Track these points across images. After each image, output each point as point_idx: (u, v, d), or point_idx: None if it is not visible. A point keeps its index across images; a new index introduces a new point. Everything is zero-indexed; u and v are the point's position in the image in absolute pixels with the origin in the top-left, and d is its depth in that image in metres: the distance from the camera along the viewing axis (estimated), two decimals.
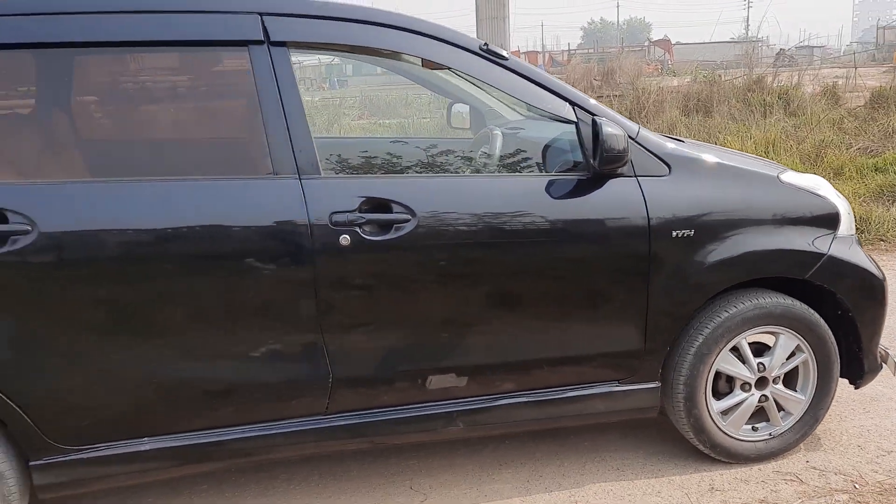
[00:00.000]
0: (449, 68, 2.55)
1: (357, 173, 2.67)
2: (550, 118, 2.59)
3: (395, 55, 2.59)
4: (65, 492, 2.36)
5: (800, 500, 2.58)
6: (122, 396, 2.31)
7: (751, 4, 79.47)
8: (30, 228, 2.13)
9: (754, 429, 2.81)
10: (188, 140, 2.61)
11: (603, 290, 2.56)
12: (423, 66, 2.59)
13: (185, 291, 2.27)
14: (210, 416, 2.40)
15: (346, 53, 2.62)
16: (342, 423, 2.48)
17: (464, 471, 2.86)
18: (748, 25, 74.41)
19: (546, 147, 2.72)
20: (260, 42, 2.33)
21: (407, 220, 2.35)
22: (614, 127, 2.39)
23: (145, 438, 2.37)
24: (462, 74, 2.61)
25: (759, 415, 2.82)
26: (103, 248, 2.19)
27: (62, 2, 2.21)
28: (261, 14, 2.35)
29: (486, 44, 2.50)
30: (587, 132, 2.48)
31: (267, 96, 2.32)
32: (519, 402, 2.59)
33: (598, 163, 2.39)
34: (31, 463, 2.30)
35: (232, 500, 2.72)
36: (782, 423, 2.81)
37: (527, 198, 2.48)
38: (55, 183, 2.24)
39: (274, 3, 2.38)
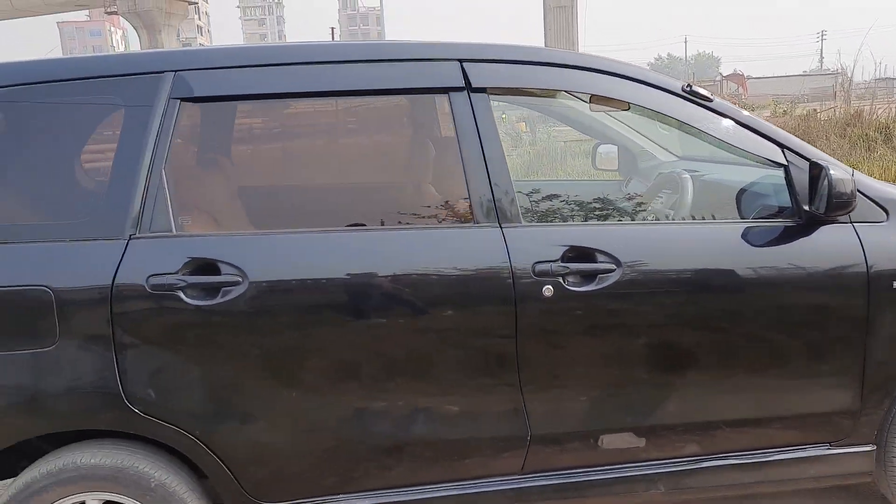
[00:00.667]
0: (652, 110, 2.44)
1: (556, 221, 2.57)
2: (755, 162, 2.45)
3: (595, 98, 2.50)
4: None
5: None
6: (320, 452, 2.24)
7: (825, 37, 77.86)
8: (240, 279, 2.10)
9: None
10: (388, 189, 2.56)
11: (816, 343, 2.38)
12: (621, 108, 2.50)
13: (386, 343, 2.20)
14: (405, 474, 2.30)
15: (544, 98, 2.54)
16: (538, 483, 2.36)
17: None
18: (822, 58, 72.85)
19: (741, 192, 2.58)
20: (461, 89, 2.28)
21: (612, 270, 2.23)
22: (840, 171, 2.24)
23: (341, 495, 2.29)
24: (665, 116, 2.49)
25: None
26: (309, 298, 2.15)
27: (280, 55, 2.23)
28: (460, 61, 2.30)
29: (689, 85, 2.39)
30: (799, 176, 2.34)
31: (467, 142, 2.25)
32: (724, 465, 2.41)
33: (825, 208, 2.23)
34: None
35: None
36: None
37: (733, 246, 2.34)
38: (263, 234, 2.21)
39: (473, 49, 2.33)
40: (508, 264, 2.20)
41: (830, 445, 2.46)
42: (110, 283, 2.07)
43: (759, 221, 2.41)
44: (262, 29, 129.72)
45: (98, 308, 2.07)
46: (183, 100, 2.18)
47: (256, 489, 2.22)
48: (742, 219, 2.51)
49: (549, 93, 2.43)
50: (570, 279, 2.22)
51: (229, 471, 2.19)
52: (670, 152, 3.63)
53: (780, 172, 2.41)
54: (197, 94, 2.19)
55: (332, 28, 61.66)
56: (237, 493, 2.22)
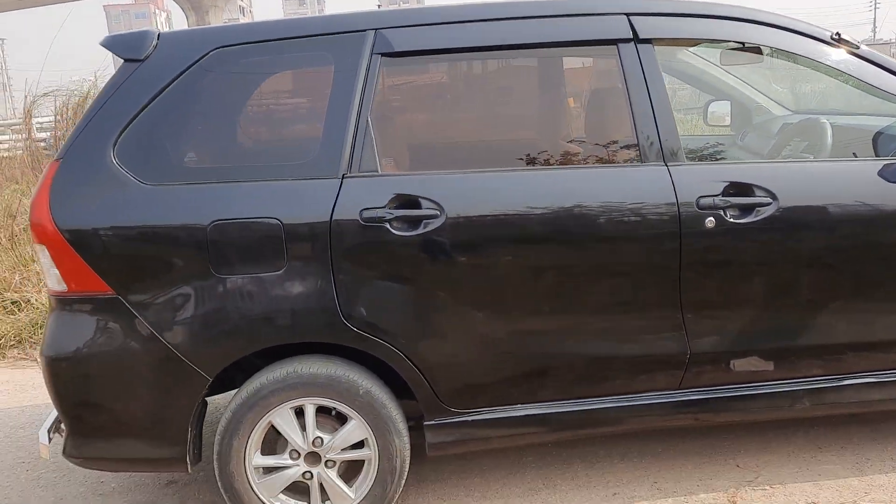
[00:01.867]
0: (811, 59, 2.65)
1: (714, 160, 2.81)
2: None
3: (744, 46, 2.72)
4: (449, 451, 2.60)
5: None
6: (504, 366, 2.53)
7: (878, 5, 75.52)
8: (438, 213, 2.39)
9: None
10: (565, 134, 2.83)
11: None
12: (771, 55, 2.72)
13: (563, 270, 2.47)
14: (574, 387, 2.59)
15: (708, 45, 2.77)
16: (692, 398, 2.62)
17: (783, 452, 2.93)
18: (875, 28, 70.68)
19: (878, 134, 2.79)
20: (629, 40, 2.53)
21: (768, 204, 2.47)
22: None
23: (518, 405, 2.58)
24: (818, 65, 2.69)
25: None
26: (498, 230, 2.43)
27: (466, 13, 2.51)
28: (627, 14, 2.55)
29: (837, 34, 2.60)
30: None
31: (635, 89, 2.50)
32: (865, 383, 2.65)
33: None
34: (427, 423, 2.56)
35: (561, 470, 2.90)
36: None
37: (876, 181, 2.55)
38: (458, 173, 2.50)
39: (638, 4, 2.57)
40: (675, 198, 2.45)
41: None
42: (329, 215, 2.38)
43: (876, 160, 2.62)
44: (302, 9, 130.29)
45: (319, 237, 2.38)
46: (383, 55, 2.47)
47: (448, 398, 2.53)
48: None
49: (711, 41, 2.66)
50: (730, 212, 2.47)
51: (426, 381, 2.49)
52: (784, 107, 3.83)
53: None
54: (395, 49, 2.47)
55: (378, 5, 61.67)
56: (432, 401, 2.52)
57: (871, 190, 2.54)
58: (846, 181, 2.57)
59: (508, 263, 2.45)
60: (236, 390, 2.55)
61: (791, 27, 2.61)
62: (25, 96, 10.95)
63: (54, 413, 2.73)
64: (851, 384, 2.65)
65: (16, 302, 5.66)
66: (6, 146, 17.60)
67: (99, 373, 2.44)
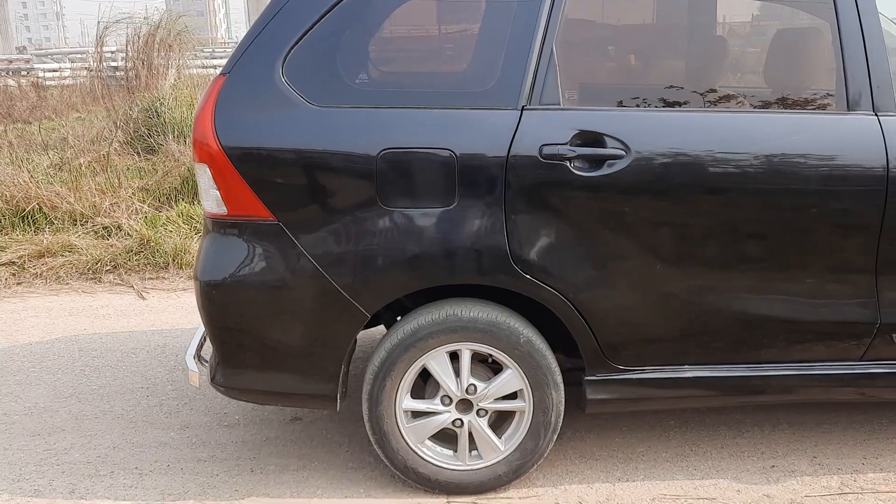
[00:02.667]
0: None
1: None
2: None
3: None
4: (609, 409, 2.46)
5: None
6: (677, 323, 2.37)
7: None
8: (624, 153, 2.21)
9: None
10: (765, 74, 2.60)
11: None
12: None
13: (752, 223, 2.28)
14: (743, 351, 2.41)
15: None
16: (875, 370, 2.43)
17: None
18: None
19: None
20: None
21: None
22: None
23: (686, 366, 2.42)
24: None
25: None
26: (687, 176, 2.23)
27: None
28: None
29: None
30: None
31: (847, 29, 2.26)
32: None
33: None
34: (587, 378, 2.41)
35: (708, 437, 2.75)
36: None
37: None
38: (648, 111, 2.31)
39: None
40: (884, 150, 2.23)
41: None
42: (507, 149, 2.21)
43: None
44: None
45: (494, 172, 2.22)
46: None
47: (614, 353, 2.37)
48: None
49: None
50: None
51: (593, 333, 2.34)
52: None
53: None
54: None
55: None
56: (595, 354, 2.38)
57: None
58: None
59: (695, 212, 2.27)
60: (390, 330, 2.43)
61: None
62: (98, 22, 10.86)
63: (197, 339, 2.65)
64: None
65: (107, 227, 5.66)
66: (67, 73, 17.71)
67: (256, 301, 2.33)
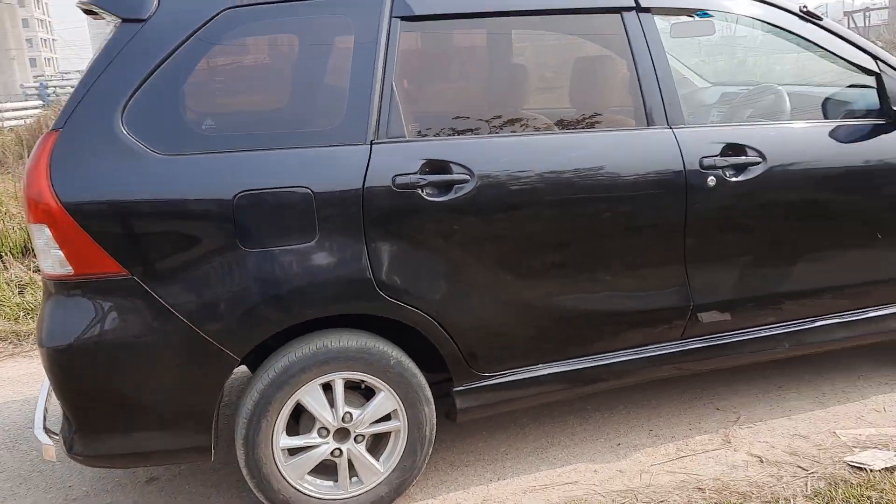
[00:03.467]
0: (781, 28, 2.86)
1: (713, 123, 2.97)
2: (855, 70, 2.94)
3: (730, 17, 2.90)
4: (478, 414, 2.63)
5: None
6: (529, 326, 2.58)
7: None
8: (469, 178, 2.39)
9: None
10: (576, 98, 2.87)
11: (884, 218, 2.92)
12: (756, 27, 2.92)
13: (584, 230, 2.55)
14: (589, 344, 2.69)
15: (700, 15, 2.91)
16: (694, 346, 2.80)
17: (751, 394, 3.20)
18: None
19: (826, 100, 3.08)
20: (632, 8, 2.63)
21: (758, 163, 2.68)
22: None
23: (540, 365, 2.64)
24: (788, 34, 2.92)
25: None
26: (523, 191, 2.46)
27: None
28: None
29: (804, 7, 2.85)
30: (891, 83, 2.86)
31: (639, 55, 2.62)
32: (833, 324, 2.94)
33: None
34: (456, 389, 2.56)
35: (560, 428, 3.01)
36: None
37: (845, 142, 2.84)
38: (487, 137, 2.50)
39: None
40: (681, 159, 2.60)
41: None
42: (362, 182, 2.31)
43: (852, 120, 2.92)
44: None
45: (351, 205, 2.31)
46: (402, 18, 2.41)
47: (475, 361, 2.54)
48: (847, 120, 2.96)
49: (691, 13, 2.81)
50: (728, 171, 2.65)
51: (457, 346, 2.49)
52: (704, 79, 4.12)
53: (863, 82, 2.93)
54: (414, 13, 2.42)
55: None
56: (460, 365, 2.53)
57: (836, 150, 2.82)
58: (819, 141, 2.82)
59: (533, 224, 2.49)
60: (258, 371, 2.42)
61: (773, 2, 2.83)
62: None
63: (41, 410, 2.47)
64: (820, 326, 2.93)
65: None
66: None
67: (115, 361, 2.23)
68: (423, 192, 2.36)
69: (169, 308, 2.22)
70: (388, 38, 2.38)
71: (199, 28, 2.27)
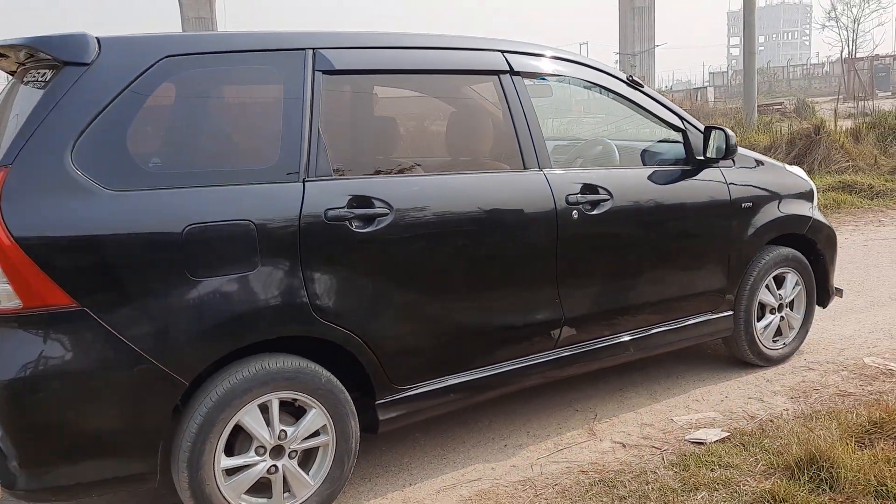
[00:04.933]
0: (613, 91, 3.53)
1: (572, 167, 3.51)
2: (667, 126, 3.67)
3: (579, 82, 3.51)
4: (396, 424, 2.92)
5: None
6: (437, 342, 2.94)
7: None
8: (388, 211, 2.74)
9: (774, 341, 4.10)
10: (468, 144, 3.28)
11: (701, 242, 3.68)
12: (590, 89, 3.56)
13: (471, 256, 2.98)
14: (484, 356, 3.10)
15: (557, 80, 3.49)
16: (565, 354, 3.31)
17: (599, 396, 3.78)
18: None
19: (644, 151, 3.80)
20: (506, 72, 3.16)
21: (607, 200, 3.29)
22: (730, 132, 3.57)
23: (447, 376, 3.00)
24: (618, 97, 3.58)
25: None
26: (430, 223, 2.86)
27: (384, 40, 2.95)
28: (504, 52, 3.19)
29: (630, 76, 3.55)
30: (695, 137, 3.63)
31: (515, 110, 3.14)
32: (665, 331, 3.60)
33: (725, 154, 3.55)
34: (378, 402, 2.84)
35: (452, 438, 3.38)
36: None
37: (658, 181, 3.54)
38: (402, 176, 2.86)
39: (511, 44, 3.23)
40: (552, 196, 3.13)
41: (711, 313, 3.79)
42: (298, 215, 2.58)
43: (666, 166, 3.65)
44: None
45: (289, 236, 2.56)
46: (323, 72, 2.74)
47: (395, 376, 2.85)
48: (664, 166, 3.68)
49: (559, 77, 3.40)
50: (586, 206, 3.22)
51: (379, 362, 2.79)
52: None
53: (673, 137, 3.69)
54: (333, 67, 2.76)
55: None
56: (383, 381, 2.82)
57: (659, 189, 3.52)
58: (645, 181, 3.50)
59: (438, 251, 2.88)
60: (197, 393, 2.54)
61: (608, 71, 3.50)
62: None
63: None
64: (655, 332, 3.58)
65: None
66: None
67: (63, 392, 2.28)
68: (350, 224, 2.67)
69: (119, 337, 2.32)
70: (312, 89, 2.69)
71: (141, 74, 2.44)
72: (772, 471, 2.89)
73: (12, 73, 3.05)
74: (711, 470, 2.94)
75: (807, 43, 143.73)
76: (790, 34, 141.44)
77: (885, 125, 12.73)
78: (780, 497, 2.64)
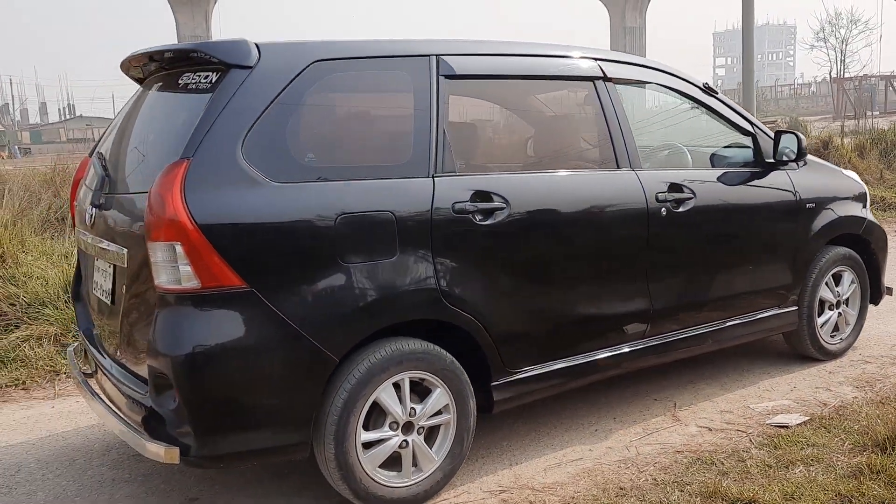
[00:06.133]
0: (690, 97, 3.77)
1: (658, 167, 3.73)
2: (738, 131, 3.92)
3: (661, 88, 3.75)
4: (508, 405, 3.11)
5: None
6: (542, 327, 3.15)
7: None
8: (504, 206, 2.96)
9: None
10: (568, 144, 3.50)
11: (771, 243, 3.91)
12: (673, 96, 3.80)
13: (579, 248, 3.21)
14: (584, 343, 3.30)
15: (642, 86, 3.72)
16: (651, 344, 3.52)
17: (673, 387, 3.99)
18: None
19: (712, 154, 4.04)
20: (601, 78, 3.40)
21: (691, 198, 3.52)
22: (801, 136, 3.82)
23: (550, 361, 3.21)
24: (695, 102, 3.83)
25: None
26: (542, 218, 3.07)
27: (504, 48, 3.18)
28: (597, 60, 3.43)
29: (706, 83, 3.80)
30: (764, 141, 3.88)
31: (609, 113, 3.37)
32: (738, 324, 3.82)
33: (796, 157, 3.79)
34: (493, 384, 3.04)
35: (542, 423, 3.58)
36: None
37: (730, 181, 3.78)
38: (516, 173, 3.08)
39: (603, 53, 3.47)
40: (643, 195, 3.36)
41: (778, 308, 4.01)
42: (430, 208, 2.79)
43: (737, 168, 3.88)
44: None
45: (422, 226, 2.77)
46: (446, 76, 2.96)
47: (508, 360, 3.05)
48: (735, 168, 3.91)
49: (643, 84, 3.64)
50: (672, 204, 3.45)
51: (495, 345, 2.99)
52: None
53: (740, 142, 3.94)
54: (454, 72, 2.98)
55: None
56: (498, 363, 3.02)
57: (730, 188, 3.75)
58: (722, 180, 3.74)
59: (552, 243, 3.11)
60: (338, 371, 2.71)
61: (686, 78, 3.75)
62: None
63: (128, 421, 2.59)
64: (729, 325, 3.80)
65: None
66: None
67: (234, 365, 2.47)
68: (473, 217, 2.88)
69: (282, 316, 2.52)
70: (437, 92, 2.91)
71: (296, 76, 2.66)
72: (860, 448, 3.10)
73: (139, 81, 3.27)
74: (802, 449, 3.15)
75: (791, 63, 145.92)
76: (775, 55, 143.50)
77: (887, 141, 13.17)
78: (875, 468, 2.85)
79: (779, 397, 3.82)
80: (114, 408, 2.81)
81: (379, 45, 2.92)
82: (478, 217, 2.89)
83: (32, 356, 4.66)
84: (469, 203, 2.87)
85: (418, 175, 2.81)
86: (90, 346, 3.21)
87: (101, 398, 2.92)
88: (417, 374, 2.83)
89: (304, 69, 2.68)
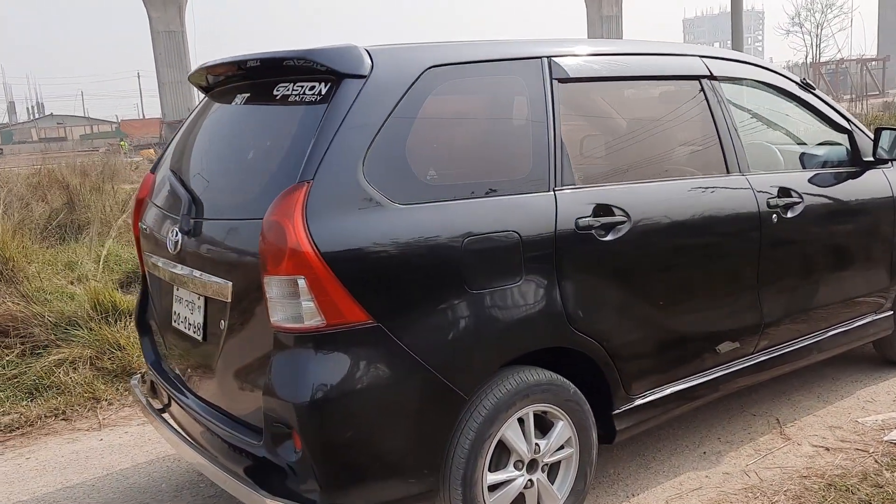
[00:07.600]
0: (789, 93, 3.55)
1: (765, 170, 3.48)
2: (834, 128, 3.70)
3: (763, 86, 3.50)
4: (629, 434, 2.87)
5: None
6: (661, 349, 2.91)
7: None
8: (626, 219, 2.71)
9: None
10: (680, 149, 3.24)
11: (872, 246, 3.71)
12: (772, 93, 3.56)
13: (698, 262, 3.00)
14: (699, 362, 3.07)
15: (745, 84, 3.47)
16: (762, 359, 3.30)
17: (770, 401, 3.77)
18: None
19: (802, 154, 3.82)
20: (707, 77, 3.15)
21: (798, 203, 3.29)
22: None
23: (665, 385, 2.96)
24: (793, 98, 3.60)
25: None
26: (662, 231, 2.83)
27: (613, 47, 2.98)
28: (702, 57, 3.18)
29: (804, 79, 3.57)
30: (861, 139, 3.66)
31: (717, 114, 3.13)
32: (838, 333, 3.61)
33: (893, 156, 3.58)
34: (615, 412, 2.79)
35: (641, 451, 3.34)
36: None
37: (839, 185, 3.57)
38: (634, 184, 2.82)
39: (706, 50, 3.23)
40: (755, 200, 3.13)
41: (875, 314, 3.81)
42: (553, 225, 2.53)
43: (832, 168, 3.66)
44: None
45: (547, 246, 2.51)
46: (559, 80, 2.70)
47: (629, 385, 2.80)
48: (831, 169, 3.69)
49: (742, 81, 3.40)
50: (782, 210, 3.22)
51: (617, 371, 2.74)
52: None
53: (833, 140, 3.72)
54: (567, 75, 2.72)
55: None
56: (619, 389, 2.78)
57: (833, 189, 3.53)
58: (826, 182, 3.52)
59: (676, 258, 2.88)
60: (460, 410, 2.46)
61: (785, 74, 3.52)
62: None
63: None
64: (834, 333, 3.59)
65: None
66: None
67: (363, 412, 2.21)
68: (596, 233, 2.63)
69: (410, 353, 2.25)
70: (552, 97, 2.65)
71: (412, 85, 2.38)
72: None
73: (204, 90, 2.97)
74: None
75: (760, 49, 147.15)
76: (744, 40, 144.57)
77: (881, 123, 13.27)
78: None
79: (884, 409, 3.62)
80: (208, 453, 2.53)
81: (491, 47, 2.65)
82: (600, 233, 2.64)
83: (69, 382, 4.33)
84: (592, 218, 2.62)
85: (539, 189, 2.55)
86: (161, 381, 2.92)
87: (189, 440, 2.64)
88: (541, 408, 2.58)
89: (419, 77, 2.40)
